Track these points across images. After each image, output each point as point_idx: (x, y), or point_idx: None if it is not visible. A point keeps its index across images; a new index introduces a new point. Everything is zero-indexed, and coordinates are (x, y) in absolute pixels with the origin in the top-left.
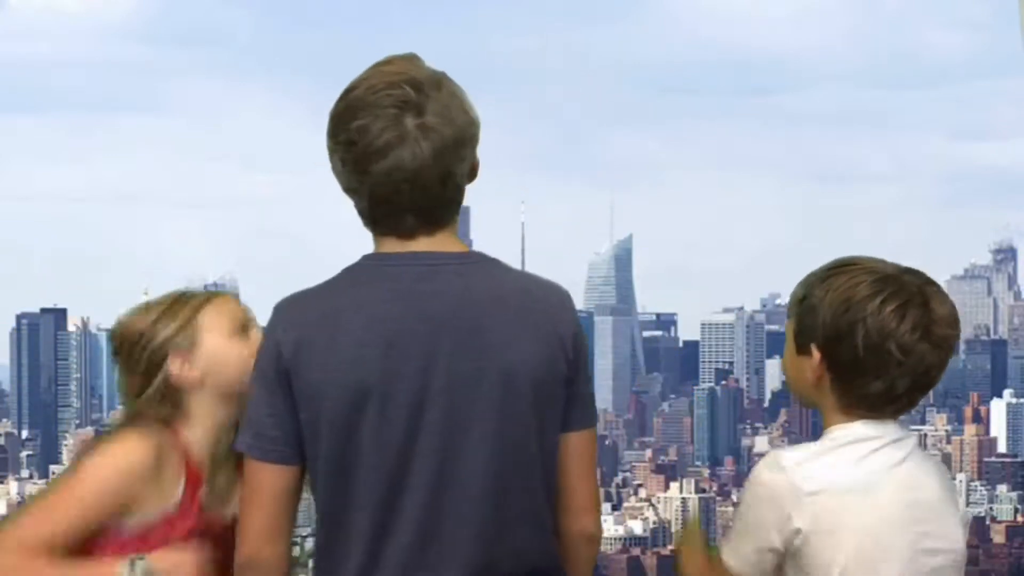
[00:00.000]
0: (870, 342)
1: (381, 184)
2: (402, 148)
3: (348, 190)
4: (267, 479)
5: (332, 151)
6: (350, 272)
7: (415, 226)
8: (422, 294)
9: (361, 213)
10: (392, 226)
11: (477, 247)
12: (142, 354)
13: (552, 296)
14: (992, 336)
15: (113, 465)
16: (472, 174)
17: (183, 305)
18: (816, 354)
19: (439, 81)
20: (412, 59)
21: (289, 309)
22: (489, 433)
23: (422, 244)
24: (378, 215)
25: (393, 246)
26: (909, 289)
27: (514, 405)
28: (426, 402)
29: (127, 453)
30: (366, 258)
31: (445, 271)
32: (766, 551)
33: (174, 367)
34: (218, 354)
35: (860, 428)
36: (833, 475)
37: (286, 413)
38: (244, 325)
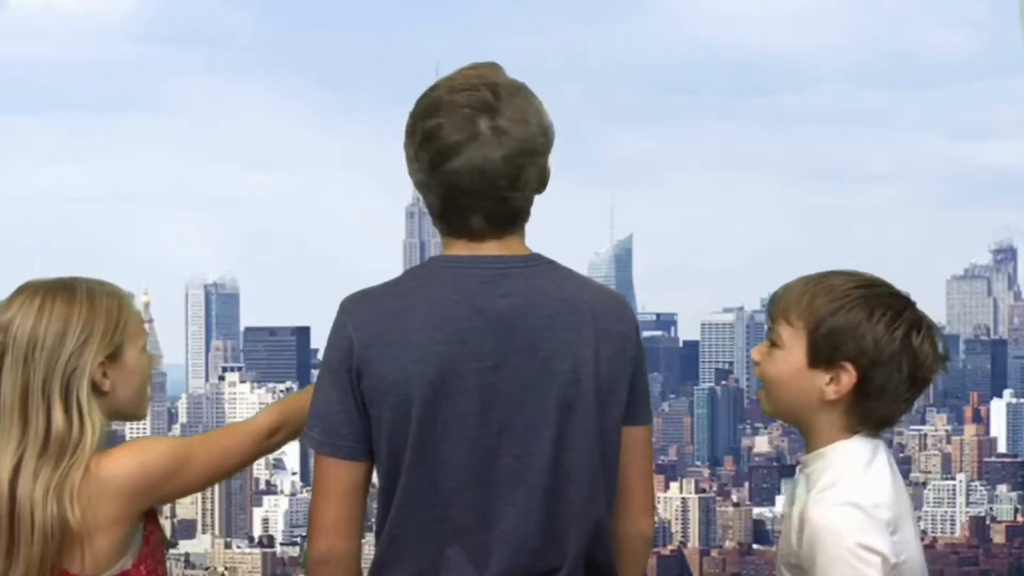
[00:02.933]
0: (907, 371)
1: (451, 183)
2: (474, 148)
3: (419, 185)
4: (339, 475)
5: (407, 147)
6: (417, 273)
7: (483, 228)
8: (491, 295)
9: (431, 210)
10: (460, 227)
11: None
12: None
13: (612, 300)
14: (992, 336)
15: None
16: (542, 183)
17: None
18: (847, 375)
19: (518, 88)
20: (494, 66)
21: (359, 307)
22: (557, 434)
23: (490, 248)
24: (447, 213)
25: (461, 249)
26: (922, 315)
27: (580, 404)
28: (496, 400)
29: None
30: (434, 260)
31: (512, 274)
32: None
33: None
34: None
35: (866, 443)
36: (888, 496)
37: (356, 410)
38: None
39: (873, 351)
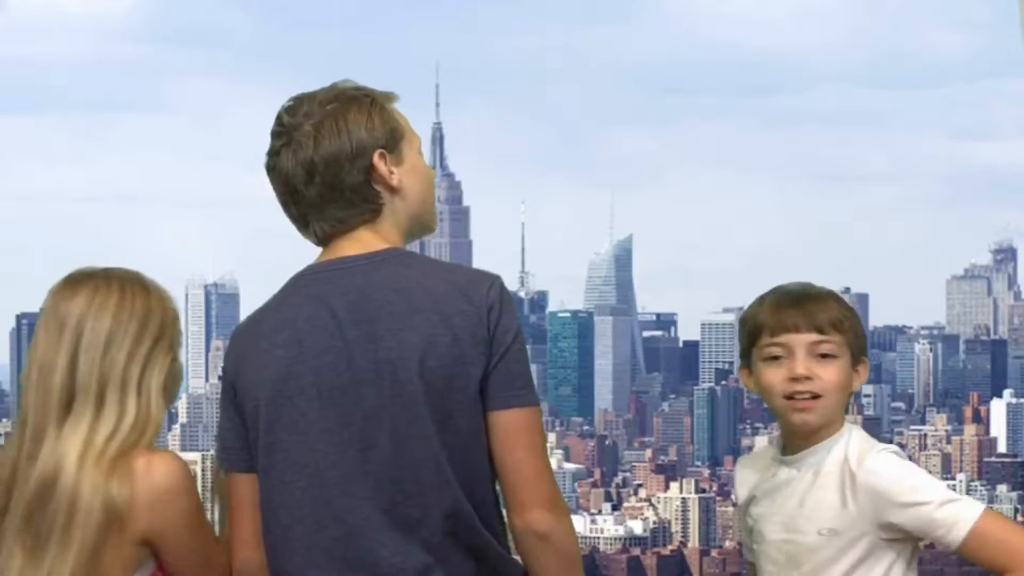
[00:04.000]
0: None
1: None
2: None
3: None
4: (240, 488)
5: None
6: (283, 288)
7: (329, 232)
8: (329, 295)
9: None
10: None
11: (477, 247)
12: None
13: (464, 282)
14: (992, 336)
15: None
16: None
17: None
18: (864, 368)
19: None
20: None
21: (237, 330)
22: (392, 423)
23: (344, 249)
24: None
25: (324, 255)
26: None
27: (411, 392)
28: (335, 396)
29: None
30: (297, 274)
31: (351, 271)
32: None
33: None
34: None
35: (849, 428)
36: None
37: (241, 426)
38: None
39: (864, 338)
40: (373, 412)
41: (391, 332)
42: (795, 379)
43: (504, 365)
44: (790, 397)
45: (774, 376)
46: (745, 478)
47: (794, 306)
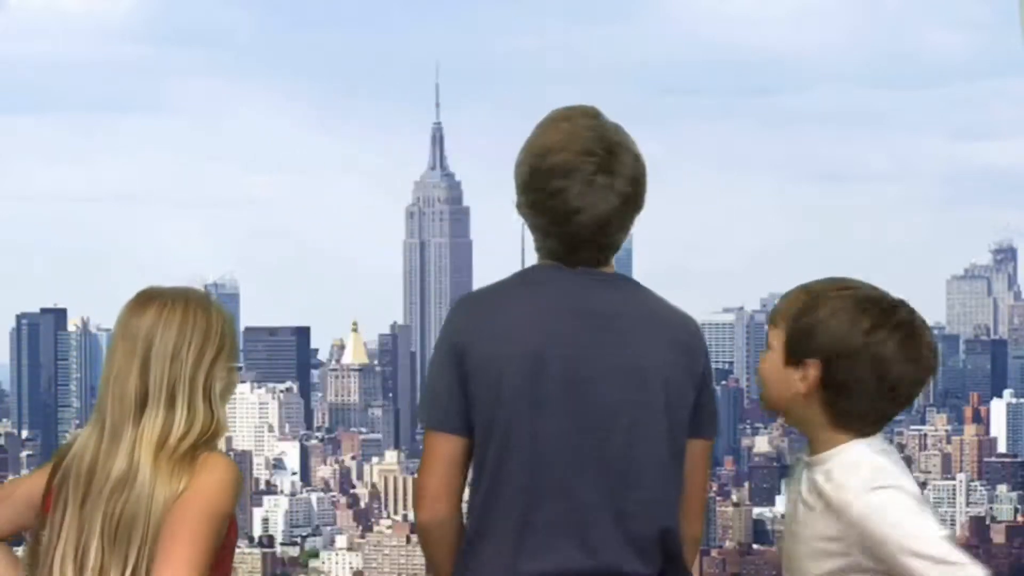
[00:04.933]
0: (874, 368)
1: (574, 234)
2: (596, 205)
3: (535, 229)
4: (445, 446)
5: (526, 202)
6: (522, 275)
7: (587, 259)
8: (582, 297)
9: (543, 248)
10: (569, 259)
11: (477, 247)
12: None
13: (688, 320)
14: (992, 336)
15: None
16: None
17: None
18: (813, 369)
19: (625, 143)
20: (599, 118)
21: (469, 300)
22: (631, 421)
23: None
24: (562, 254)
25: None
26: (905, 319)
27: (651, 400)
28: (581, 385)
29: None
30: (538, 265)
31: (603, 284)
32: None
33: None
34: None
35: (877, 443)
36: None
37: (458, 389)
38: None
39: (834, 346)
40: (615, 407)
41: (643, 342)
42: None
43: (707, 400)
44: None
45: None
46: None
47: None
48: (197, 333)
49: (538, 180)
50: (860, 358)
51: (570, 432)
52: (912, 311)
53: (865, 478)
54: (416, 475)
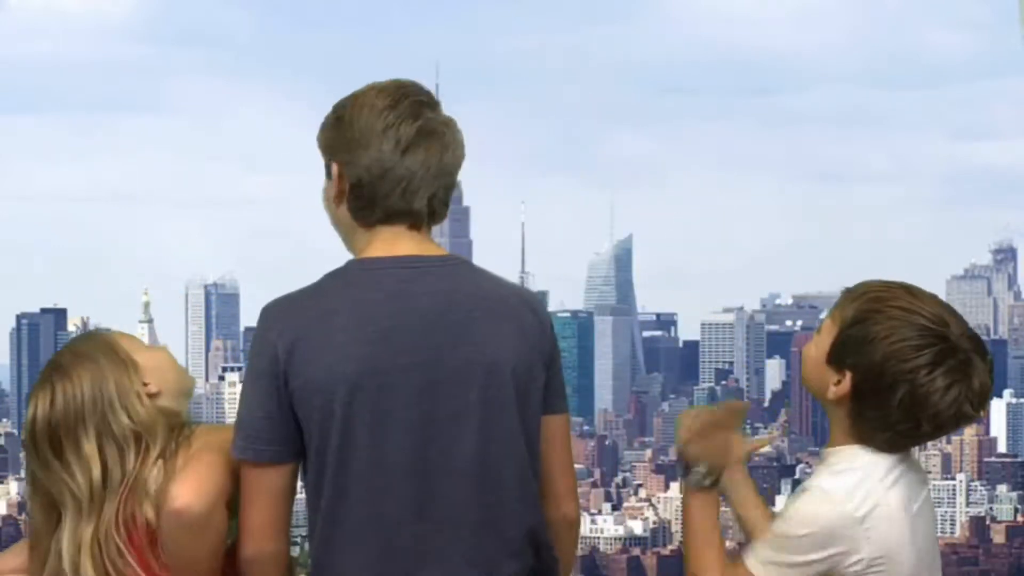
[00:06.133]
0: (906, 404)
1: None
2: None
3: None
4: (264, 479)
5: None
6: (338, 276)
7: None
8: (413, 294)
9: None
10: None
11: (477, 247)
12: None
13: (525, 295)
14: (992, 336)
15: None
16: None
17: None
18: (848, 379)
19: None
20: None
21: (281, 312)
22: (480, 422)
23: (406, 248)
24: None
25: (378, 250)
26: (960, 359)
27: (500, 395)
28: (420, 394)
29: None
30: (352, 262)
31: (433, 272)
32: None
33: None
34: None
35: (876, 457)
36: (884, 498)
37: (279, 413)
38: None
39: (873, 369)
40: (461, 411)
41: (483, 337)
42: None
43: (555, 375)
44: None
45: None
46: None
47: None
48: None
49: None
50: (896, 389)
51: (412, 448)
52: (978, 349)
53: (823, 475)
54: None
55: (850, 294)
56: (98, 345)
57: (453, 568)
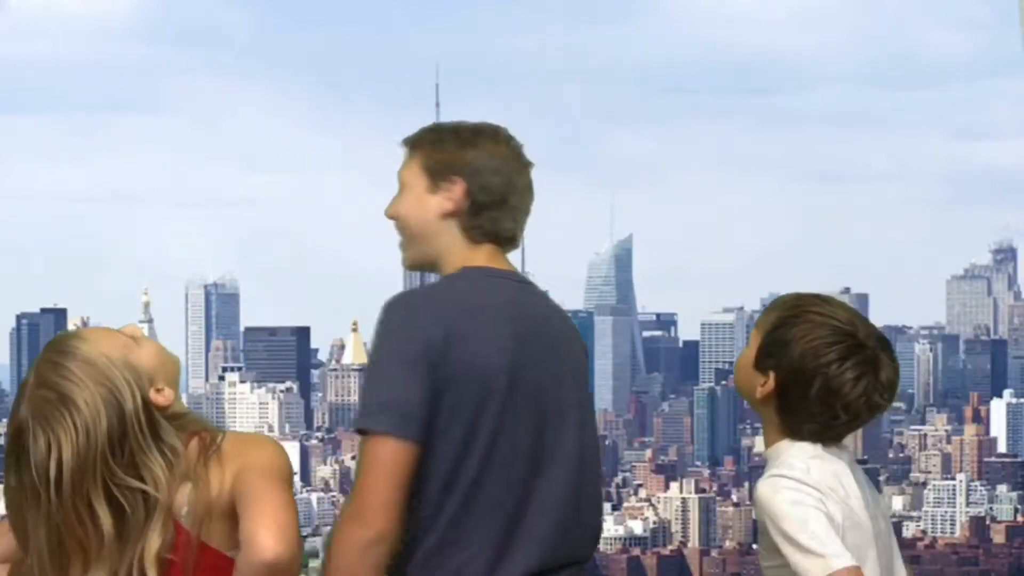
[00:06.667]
0: (821, 395)
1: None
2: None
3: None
4: (403, 458)
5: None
6: (463, 278)
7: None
8: (527, 303)
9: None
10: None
11: None
12: None
13: (566, 315)
14: (992, 336)
15: None
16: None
17: None
18: (772, 379)
19: None
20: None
21: (428, 303)
22: (578, 417)
23: (500, 263)
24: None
25: (482, 261)
26: (868, 354)
27: (584, 395)
28: (541, 392)
29: None
30: (473, 270)
31: (529, 289)
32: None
33: None
34: None
35: (811, 448)
36: (829, 480)
37: (431, 396)
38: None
39: (793, 365)
40: (565, 407)
41: (568, 345)
42: None
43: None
44: None
45: None
46: None
47: None
48: None
49: None
50: (813, 383)
51: (534, 440)
52: (884, 347)
53: (772, 470)
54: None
55: (772, 305)
56: (107, 355)
57: (549, 547)
